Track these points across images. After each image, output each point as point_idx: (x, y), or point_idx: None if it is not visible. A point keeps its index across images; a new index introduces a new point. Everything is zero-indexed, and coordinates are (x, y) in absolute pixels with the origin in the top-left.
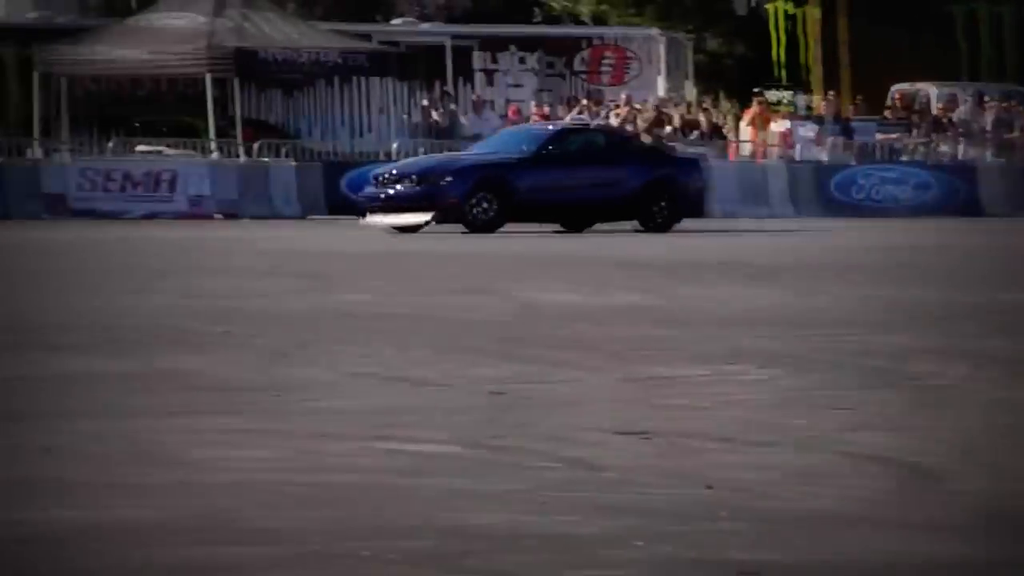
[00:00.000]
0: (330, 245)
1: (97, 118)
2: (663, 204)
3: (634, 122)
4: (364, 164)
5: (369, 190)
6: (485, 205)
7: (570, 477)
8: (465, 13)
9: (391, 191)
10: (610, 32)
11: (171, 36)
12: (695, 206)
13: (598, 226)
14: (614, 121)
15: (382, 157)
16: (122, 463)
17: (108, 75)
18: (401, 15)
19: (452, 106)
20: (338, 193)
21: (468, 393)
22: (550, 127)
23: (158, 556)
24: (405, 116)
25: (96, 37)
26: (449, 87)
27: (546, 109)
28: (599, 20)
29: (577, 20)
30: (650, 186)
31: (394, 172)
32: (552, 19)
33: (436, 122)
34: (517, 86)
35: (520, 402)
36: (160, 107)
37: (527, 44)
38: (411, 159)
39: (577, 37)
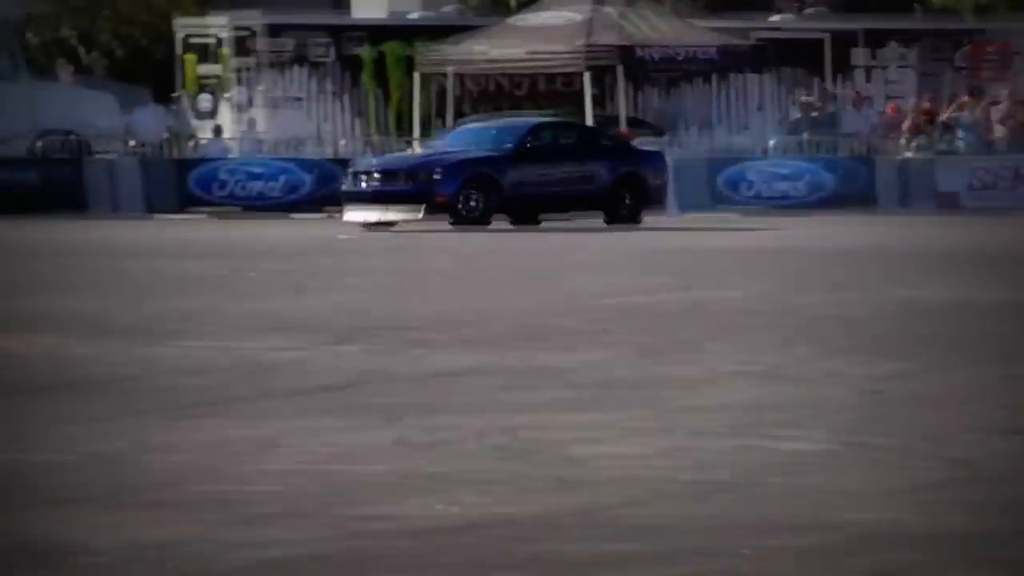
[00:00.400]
0: (710, 242)
1: (479, 115)
2: (628, 198)
3: (1015, 117)
4: (741, 161)
5: (347, 186)
6: (473, 202)
7: (951, 476)
8: (846, 1)
9: (376, 187)
10: (994, 27)
11: (551, 34)
12: (657, 200)
13: (558, 223)
14: (995, 116)
15: (759, 154)
16: (502, 458)
17: (488, 73)
18: (779, 11)
19: (835, 99)
20: (716, 189)
21: (846, 391)
22: (515, 122)
23: (542, 550)
24: (777, 113)
25: (477, 35)
26: (828, 83)
27: (927, 104)
28: (982, 14)
29: (959, 15)
30: (619, 180)
31: (376, 168)
32: (933, 14)
33: (816, 118)
34: (897, 82)
35: (899, 400)
36: (538, 104)
37: (908, 39)
38: (389, 156)
39: (959, 32)
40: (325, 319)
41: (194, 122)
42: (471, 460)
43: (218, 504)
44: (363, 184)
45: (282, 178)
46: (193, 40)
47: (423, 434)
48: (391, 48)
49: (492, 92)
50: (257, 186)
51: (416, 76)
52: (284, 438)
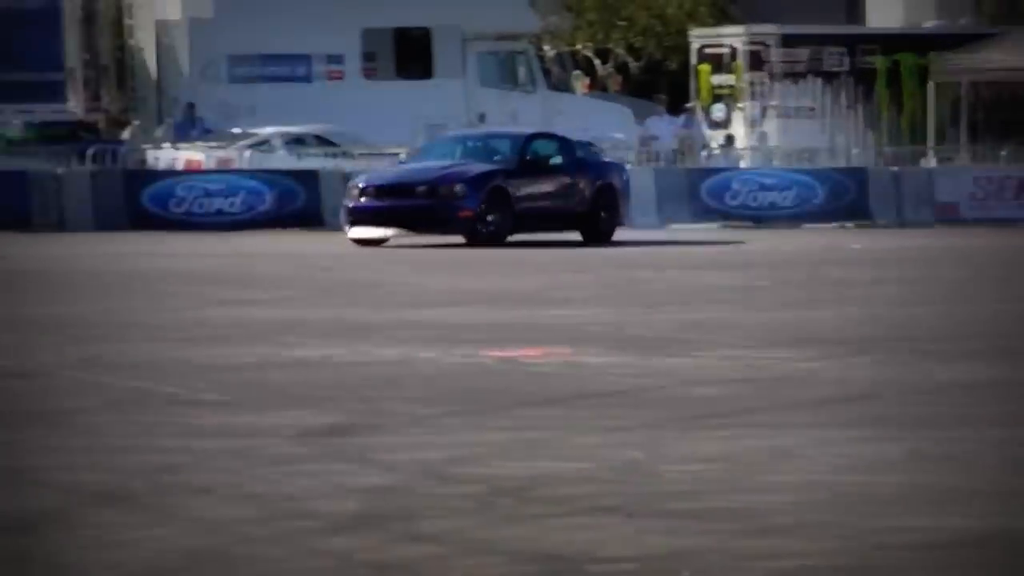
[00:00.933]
0: None
1: (994, 125)
2: (602, 212)
3: None
4: None
5: (351, 202)
6: (490, 217)
7: None
8: None
9: (391, 203)
10: None
11: None
12: (624, 215)
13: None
14: None
15: None
16: (1021, 472)
17: (1004, 81)
18: None
19: None
20: None
21: None
22: (503, 133)
23: None
24: None
25: (993, 44)
26: None
27: None
28: None
29: None
30: (598, 193)
31: (385, 184)
32: None
33: None
34: None
35: None
36: None
37: None
38: (385, 171)
39: None
40: (836, 330)
41: (707, 132)
42: (987, 473)
43: (732, 514)
44: (369, 200)
45: (794, 189)
46: (708, 51)
47: (938, 446)
48: (905, 58)
49: (1007, 101)
50: (769, 196)
51: (931, 86)
52: (797, 449)
